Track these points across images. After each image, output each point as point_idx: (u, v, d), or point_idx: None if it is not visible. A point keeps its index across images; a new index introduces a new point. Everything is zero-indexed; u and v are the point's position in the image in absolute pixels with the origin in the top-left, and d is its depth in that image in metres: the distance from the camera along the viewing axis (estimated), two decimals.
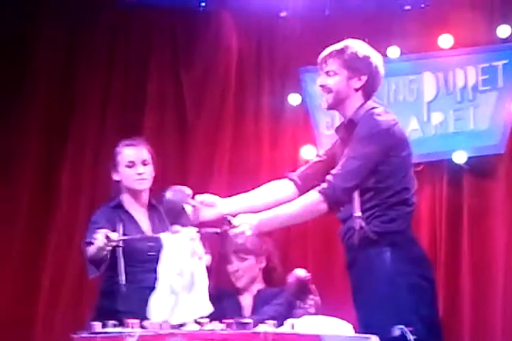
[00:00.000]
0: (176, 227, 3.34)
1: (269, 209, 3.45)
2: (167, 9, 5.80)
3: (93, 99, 5.77)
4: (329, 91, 3.46)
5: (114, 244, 3.69)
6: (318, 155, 3.67)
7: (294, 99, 5.54)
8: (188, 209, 3.34)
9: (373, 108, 3.43)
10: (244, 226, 3.24)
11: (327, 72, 3.47)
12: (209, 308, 3.24)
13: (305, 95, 5.49)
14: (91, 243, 3.85)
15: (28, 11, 5.77)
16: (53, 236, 5.57)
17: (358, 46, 3.49)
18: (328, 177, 3.32)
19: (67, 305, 5.41)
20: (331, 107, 3.51)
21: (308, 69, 5.43)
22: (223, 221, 3.31)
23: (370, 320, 3.30)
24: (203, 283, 3.27)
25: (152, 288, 3.66)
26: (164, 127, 5.66)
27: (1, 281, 5.51)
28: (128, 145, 4.13)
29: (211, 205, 3.41)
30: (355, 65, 3.44)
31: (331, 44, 3.60)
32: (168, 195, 3.36)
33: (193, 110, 5.72)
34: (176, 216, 3.36)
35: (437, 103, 5.13)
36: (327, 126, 5.39)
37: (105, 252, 3.75)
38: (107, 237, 3.67)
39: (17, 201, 5.65)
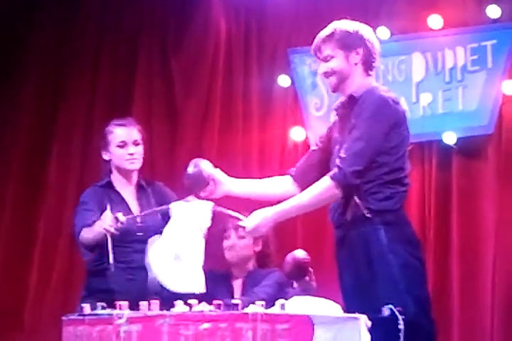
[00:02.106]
0: (189, 198, 3.38)
1: (264, 199, 3.58)
2: None
3: (82, 85, 5.77)
4: (332, 73, 3.45)
5: (120, 225, 3.73)
6: (315, 144, 3.67)
7: (283, 80, 5.52)
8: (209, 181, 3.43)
9: (376, 86, 3.43)
10: (258, 228, 3.32)
11: (324, 59, 3.48)
12: (203, 288, 3.27)
13: (294, 76, 5.48)
14: (87, 225, 3.85)
15: None
16: (41, 222, 5.58)
17: (345, 24, 3.50)
18: (337, 161, 3.31)
19: (57, 287, 5.43)
20: (335, 89, 3.51)
21: (297, 51, 5.42)
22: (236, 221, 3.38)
23: (360, 299, 3.30)
24: (200, 259, 3.29)
25: (140, 268, 3.72)
26: (153, 110, 5.66)
27: None
28: (119, 125, 4.12)
29: (220, 184, 3.45)
30: (348, 42, 3.44)
31: (320, 25, 3.59)
32: (193, 166, 3.40)
33: (182, 93, 5.72)
34: (198, 187, 3.39)
35: (426, 83, 5.12)
36: (316, 107, 5.39)
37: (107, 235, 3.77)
38: (116, 219, 3.71)
39: (3, 189, 5.66)
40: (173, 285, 3.30)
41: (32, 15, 5.84)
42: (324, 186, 3.31)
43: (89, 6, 5.85)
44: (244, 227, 3.35)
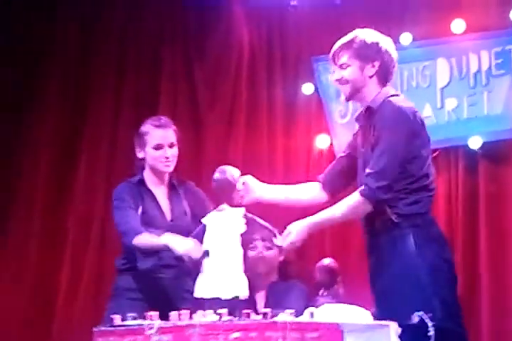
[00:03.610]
0: (223, 206, 3.40)
1: (293, 205, 3.65)
2: (179, 3, 5.81)
3: (107, 95, 5.81)
4: (345, 82, 3.46)
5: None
6: (343, 151, 3.67)
7: (307, 88, 5.53)
8: (238, 188, 3.47)
9: (392, 95, 3.43)
10: (295, 244, 3.35)
11: (340, 66, 3.48)
12: (247, 292, 3.32)
13: (318, 84, 5.49)
14: (140, 230, 3.84)
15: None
16: (70, 231, 5.61)
17: (366, 34, 3.48)
18: (365, 178, 3.33)
19: (86, 298, 5.45)
20: (349, 98, 3.53)
21: (320, 59, 5.42)
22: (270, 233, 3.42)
23: (390, 305, 3.29)
24: (240, 265, 3.36)
25: (168, 267, 3.80)
26: (178, 120, 5.59)
27: (20, 278, 5.56)
28: (156, 126, 4.07)
29: (251, 189, 3.47)
30: (366, 53, 3.44)
31: (343, 32, 3.59)
32: (219, 173, 3.45)
33: (207, 101, 5.74)
34: (226, 194, 3.43)
35: (451, 89, 5.11)
36: (340, 115, 5.39)
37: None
38: (207, 253, 3.57)
39: (32, 193, 5.70)
40: (219, 293, 3.32)
41: (54, 19, 5.91)
42: (355, 201, 3.33)
43: (112, 16, 5.90)
44: (280, 245, 3.37)
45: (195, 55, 5.83)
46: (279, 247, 3.42)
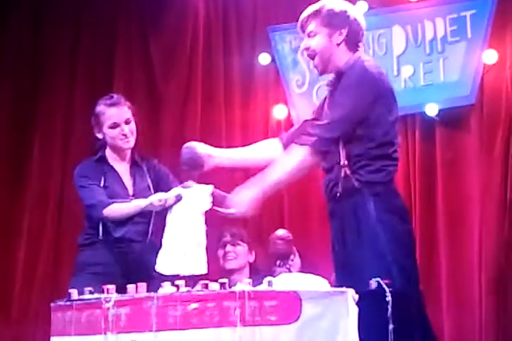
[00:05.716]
0: (189, 183, 3.37)
1: (255, 166, 3.54)
2: None
3: (62, 71, 5.74)
4: (313, 53, 3.44)
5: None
6: (310, 115, 3.65)
7: (263, 58, 5.50)
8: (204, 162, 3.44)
9: (363, 58, 3.41)
10: (247, 213, 3.30)
11: (308, 34, 3.46)
12: (205, 269, 3.30)
13: (275, 54, 5.46)
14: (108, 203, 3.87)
15: None
16: (26, 210, 5.56)
17: (334, 2, 3.48)
18: (315, 128, 3.30)
19: (45, 273, 5.42)
20: (323, 72, 3.49)
21: (276, 28, 5.40)
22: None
23: (349, 272, 3.31)
24: (203, 242, 3.34)
25: (129, 241, 3.85)
26: (134, 94, 5.59)
27: None
28: (110, 105, 4.06)
29: (208, 155, 3.48)
30: (334, 21, 3.43)
31: (299, 2, 3.56)
32: (187, 150, 3.44)
33: (163, 74, 5.69)
34: (196, 170, 3.43)
35: (407, 56, 5.12)
36: (298, 84, 5.38)
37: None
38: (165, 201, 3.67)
39: None
40: (177, 269, 3.31)
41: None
42: (303, 154, 3.29)
43: None
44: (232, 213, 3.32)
45: (150, 27, 5.77)
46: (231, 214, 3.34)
